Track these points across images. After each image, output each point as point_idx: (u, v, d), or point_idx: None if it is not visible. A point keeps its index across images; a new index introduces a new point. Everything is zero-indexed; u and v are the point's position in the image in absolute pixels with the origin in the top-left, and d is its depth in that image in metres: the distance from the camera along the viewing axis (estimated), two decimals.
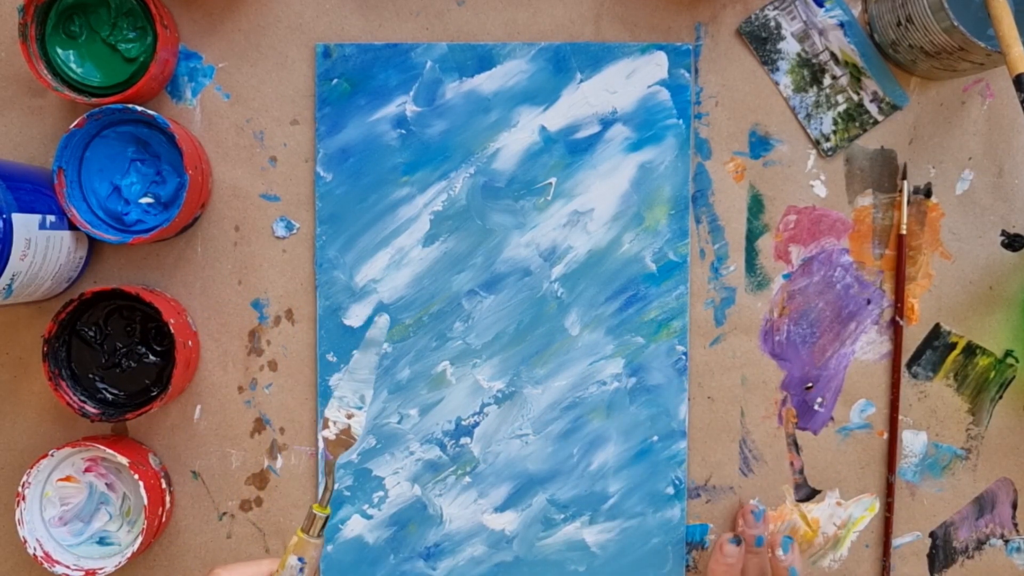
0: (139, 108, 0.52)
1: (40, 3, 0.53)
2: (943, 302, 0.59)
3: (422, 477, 0.58)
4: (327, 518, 0.46)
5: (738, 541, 0.55)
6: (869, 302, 0.58)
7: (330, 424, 0.49)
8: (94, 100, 0.53)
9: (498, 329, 0.58)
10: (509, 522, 0.58)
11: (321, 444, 0.52)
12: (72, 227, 0.54)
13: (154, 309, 0.54)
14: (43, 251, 0.51)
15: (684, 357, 0.58)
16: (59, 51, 0.54)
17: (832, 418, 0.59)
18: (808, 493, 0.59)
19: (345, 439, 0.49)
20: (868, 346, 0.59)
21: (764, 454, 0.59)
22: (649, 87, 0.57)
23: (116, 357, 0.55)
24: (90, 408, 0.54)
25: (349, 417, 0.49)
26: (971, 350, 0.59)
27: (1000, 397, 0.59)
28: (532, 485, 0.58)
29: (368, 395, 0.49)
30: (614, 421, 0.58)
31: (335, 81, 0.57)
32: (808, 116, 0.58)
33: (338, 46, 0.57)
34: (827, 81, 0.58)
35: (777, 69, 0.58)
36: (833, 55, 0.58)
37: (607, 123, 0.57)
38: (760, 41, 0.58)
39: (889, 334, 0.58)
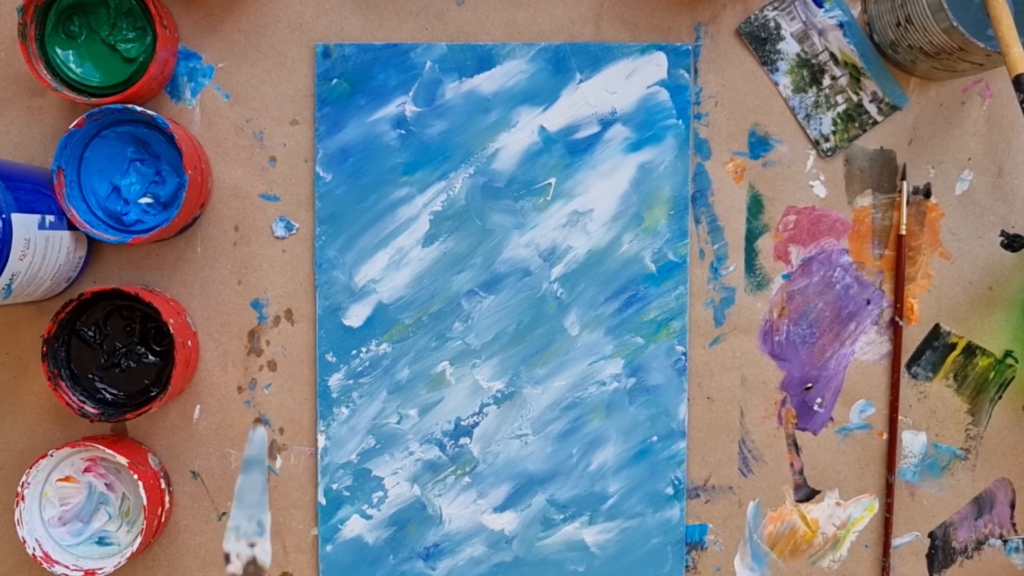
0: (139, 108, 0.52)
1: (40, 3, 0.53)
2: (943, 302, 0.59)
3: (421, 477, 0.58)
4: None
5: None
6: (869, 302, 0.58)
7: (232, 559, 0.45)
8: (94, 100, 0.53)
9: (498, 329, 0.58)
10: (509, 522, 0.58)
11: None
12: (71, 227, 0.54)
13: (153, 309, 0.54)
14: (42, 251, 0.51)
15: (684, 357, 0.58)
16: (59, 51, 0.54)
17: (832, 418, 0.59)
18: (807, 493, 0.59)
19: (253, 570, 0.45)
20: (868, 346, 0.59)
21: (764, 454, 0.59)
22: (649, 87, 0.57)
23: (116, 357, 0.55)
24: (89, 408, 0.54)
25: (252, 546, 0.45)
26: (971, 350, 0.59)
27: (1000, 397, 0.59)
28: (532, 485, 0.58)
29: (266, 519, 0.45)
30: (614, 421, 0.58)
31: (335, 81, 0.57)
32: (808, 116, 0.58)
33: (338, 46, 0.57)
34: (827, 81, 0.58)
35: (777, 69, 0.58)
36: (833, 55, 0.58)
37: (607, 123, 0.57)
38: (760, 41, 0.58)
39: (889, 334, 0.59)
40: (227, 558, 0.44)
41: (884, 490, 0.59)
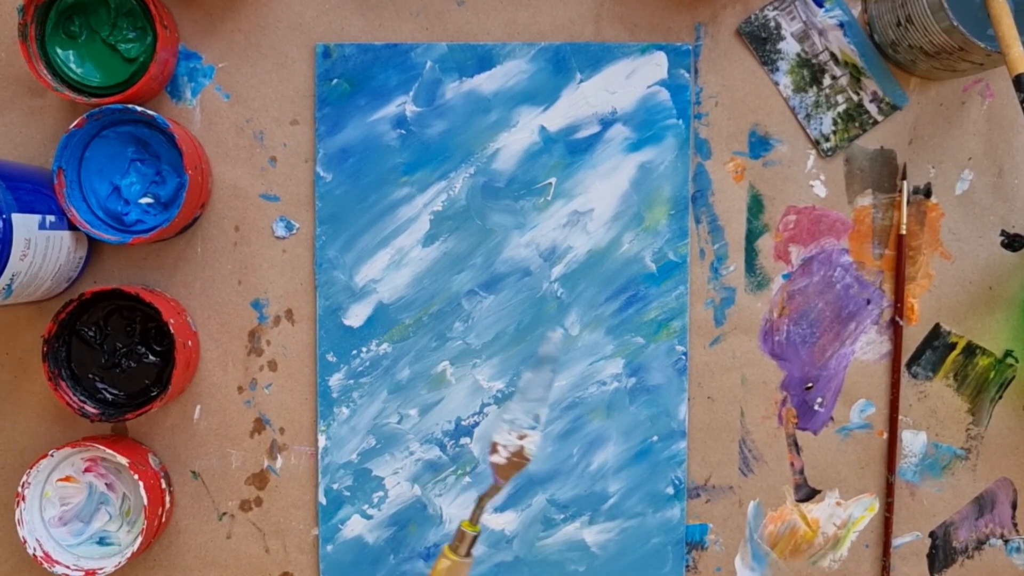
0: (139, 108, 0.52)
1: (40, 3, 0.53)
2: (943, 302, 0.59)
3: (422, 477, 0.58)
4: (475, 537, 0.46)
5: None
6: (869, 302, 0.58)
7: (499, 448, 0.48)
8: (94, 100, 0.53)
9: (498, 329, 0.58)
10: (509, 522, 0.58)
11: (490, 469, 0.51)
12: (72, 227, 0.54)
13: (154, 309, 0.54)
14: (43, 251, 0.51)
15: (684, 357, 0.58)
16: (59, 51, 0.54)
17: (832, 418, 0.59)
18: (808, 493, 0.59)
19: (517, 461, 0.48)
20: (868, 346, 0.59)
21: (764, 454, 0.59)
22: (649, 87, 0.57)
23: (116, 357, 0.55)
24: (90, 408, 0.54)
25: (521, 438, 0.48)
26: (971, 350, 0.59)
27: (1000, 397, 0.59)
28: (532, 485, 0.58)
29: (543, 414, 0.48)
30: (614, 421, 0.58)
31: (335, 81, 0.57)
32: (808, 116, 0.58)
33: (338, 46, 0.57)
34: (827, 81, 0.58)
35: (777, 69, 0.58)
36: (833, 55, 0.58)
37: (607, 123, 0.57)
38: (760, 41, 0.58)
39: (889, 334, 0.59)
40: (493, 447, 0.47)
41: (884, 490, 0.59)
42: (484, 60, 0.57)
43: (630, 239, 0.58)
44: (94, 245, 0.57)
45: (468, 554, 0.44)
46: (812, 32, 0.58)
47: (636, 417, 0.58)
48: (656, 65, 0.57)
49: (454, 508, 0.58)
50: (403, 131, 0.57)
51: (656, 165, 0.58)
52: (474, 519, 0.45)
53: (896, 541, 0.59)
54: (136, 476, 0.53)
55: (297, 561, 0.58)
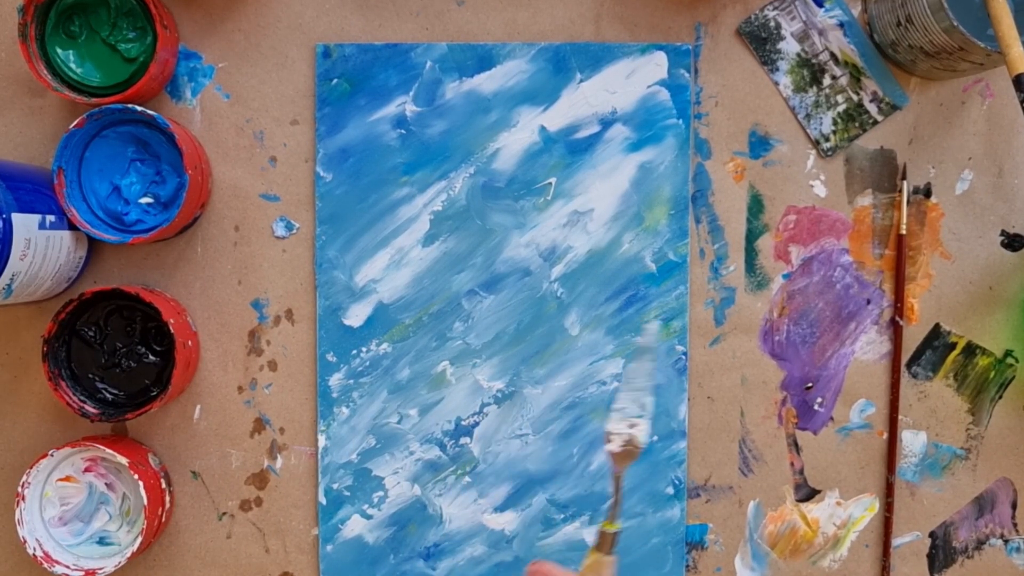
0: (139, 108, 0.52)
1: (40, 3, 0.53)
2: (943, 302, 0.59)
3: (422, 477, 0.58)
4: (617, 534, 0.46)
5: None
6: (869, 302, 0.58)
7: (612, 437, 0.48)
8: (94, 100, 0.53)
9: (498, 329, 0.58)
10: (509, 522, 0.58)
11: (608, 459, 0.51)
12: (72, 227, 0.54)
13: (154, 309, 0.54)
14: (43, 251, 0.51)
15: (684, 357, 0.58)
16: (59, 51, 0.54)
17: (832, 418, 0.59)
18: (808, 493, 0.59)
19: (631, 449, 0.48)
20: (868, 346, 0.59)
21: (764, 454, 0.59)
22: (649, 87, 0.57)
23: (116, 357, 0.55)
24: (90, 408, 0.54)
25: (631, 427, 0.49)
26: (971, 350, 0.59)
27: (1000, 397, 0.59)
28: (532, 485, 0.58)
29: (649, 402, 0.49)
30: None
31: (335, 81, 0.57)
32: (808, 116, 0.58)
33: (338, 46, 0.57)
34: (827, 81, 0.58)
35: (777, 69, 0.58)
36: (833, 55, 0.58)
37: (607, 123, 0.57)
38: (760, 41, 0.58)
39: (889, 334, 0.59)
40: (607, 437, 0.48)
41: (884, 490, 0.59)
42: (484, 60, 0.57)
43: (630, 239, 0.58)
44: (94, 245, 0.57)
45: (610, 552, 0.46)
46: (812, 32, 0.58)
47: None
48: (656, 65, 0.57)
49: (454, 508, 0.58)
50: (403, 131, 0.57)
51: (656, 165, 0.58)
52: (612, 517, 0.46)
53: (896, 541, 0.59)
54: (136, 476, 0.53)
55: (297, 561, 0.58)
